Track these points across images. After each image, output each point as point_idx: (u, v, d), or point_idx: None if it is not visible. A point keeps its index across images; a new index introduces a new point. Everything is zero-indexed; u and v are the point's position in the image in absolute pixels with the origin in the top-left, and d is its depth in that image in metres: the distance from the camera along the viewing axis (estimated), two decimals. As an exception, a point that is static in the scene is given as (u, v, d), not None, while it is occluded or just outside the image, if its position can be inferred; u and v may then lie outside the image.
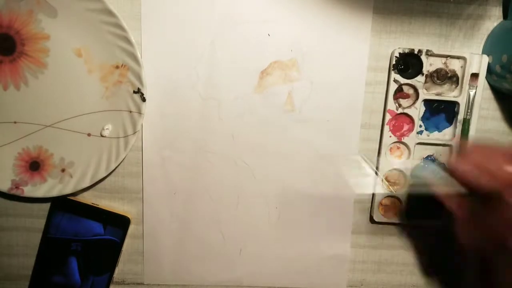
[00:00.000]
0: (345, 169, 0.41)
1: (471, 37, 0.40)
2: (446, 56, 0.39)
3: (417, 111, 0.40)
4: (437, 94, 0.40)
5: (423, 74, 0.39)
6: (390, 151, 0.41)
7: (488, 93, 0.41)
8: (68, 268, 0.40)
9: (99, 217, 0.40)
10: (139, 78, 0.37)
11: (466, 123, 0.40)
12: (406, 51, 0.38)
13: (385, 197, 0.41)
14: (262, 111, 0.40)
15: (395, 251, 0.44)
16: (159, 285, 0.43)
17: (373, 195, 0.42)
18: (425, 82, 0.39)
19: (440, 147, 0.41)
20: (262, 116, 0.40)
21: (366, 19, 0.39)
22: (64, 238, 0.40)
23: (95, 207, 0.40)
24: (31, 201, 0.40)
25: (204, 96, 0.39)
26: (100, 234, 0.40)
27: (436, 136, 0.41)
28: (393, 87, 0.39)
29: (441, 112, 0.40)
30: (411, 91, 0.40)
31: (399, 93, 0.40)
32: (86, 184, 0.38)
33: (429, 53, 0.38)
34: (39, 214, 0.40)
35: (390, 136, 0.40)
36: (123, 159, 0.39)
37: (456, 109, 0.40)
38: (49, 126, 0.38)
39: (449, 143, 0.40)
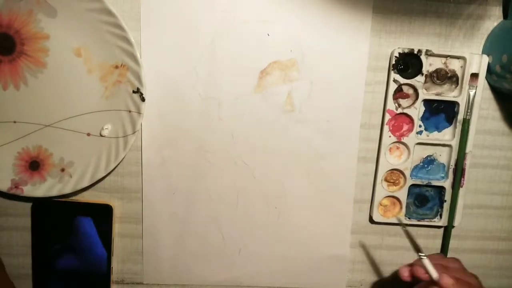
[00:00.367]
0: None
1: (471, 37, 0.40)
2: (446, 56, 0.39)
3: (417, 111, 0.39)
4: (437, 94, 0.40)
5: (422, 74, 0.39)
6: (390, 151, 0.41)
7: (488, 93, 0.41)
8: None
9: (82, 211, 0.40)
10: (138, 78, 0.37)
11: (466, 123, 0.39)
12: (406, 51, 0.38)
13: (385, 197, 0.41)
14: (262, 111, 0.40)
15: (394, 251, 0.43)
16: (158, 284, 0.43)
17: (373, 195, 0.42)
18: (425, 82, 0.39)
19: (440, 147, 0.41)
20: (261, 116, 0.40)
21: (365, 19, 0.39)
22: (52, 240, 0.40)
23: (76, 202, 0.40)
24: (30, 200, 0.40)
25: (204, 96, 0.39)
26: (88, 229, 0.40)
27: (435, 136, 0.41)
28: (393, 87, 0.39)
29: (440, 112, 0.40)
30: (410, 91, 0.40)
31: (399, 93, 0.40)
32: (86, 183, 0.38)
33: (428, 53, 0.38)
34: (39, 214, 0.40)
35: (390, 136, 0.40)
36: (123, 158, 0.39)
37: (456, 109, 0.40)
38: (48, 125, 0.38)
39: (449, 143, 0.40)
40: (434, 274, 0.33)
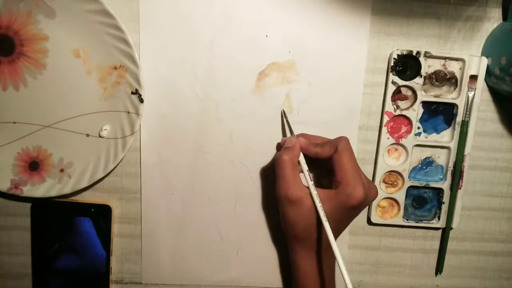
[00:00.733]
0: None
1: (470, 39, 0.40)
2: (445, 58, 0.39)
3: (415, 113, 0.39)
4: (436, 96, 0.40)
5: (421, 76, 0.39)
6: (388, 152, 0.41)
7: (487, 95, 0.40)
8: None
9: (82, 211, 0.40)
10: (137, 79, 0.37)
11: (464, 125, 0.39)
12: (405, 52, 0.38)
13: (383, 199, 0.41)
14: (260, 112, 0.40)
15: (392, 252, 0.44)
16: (157, 284, 0.43)
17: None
18: (424, 84, 0.39)
19: (438, 149, 0.41)
20: (260, 117, 0.40)
21: (364, 21, 0.39)
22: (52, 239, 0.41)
23: (75, 202, 0.40)
24: (30, 200, 0.40)
25: (202, 97, 0.39)
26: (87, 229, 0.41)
27: (434, 138, 0.41)
28: (391, 88, 0.39)
29: (439, 114, 0.40)
30: (409, 93, 0.40)
31: (397, 94, 0.39)
32: (85, 184, 0.39)
33: (427, 55, 0.38)
34: (38, 214, 0.41)
35: (388, 138, 0.40)
36: (121, 159, 0.39)
37: (454, 111, 0.40)
38: (48, 126, 0.38)
39: (447, 145, 0.40)
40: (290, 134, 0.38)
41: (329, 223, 0.33)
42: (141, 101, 0.37)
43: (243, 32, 0.38)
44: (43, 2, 0.36)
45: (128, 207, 0.41)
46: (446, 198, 0.41)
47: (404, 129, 0.40)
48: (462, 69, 0.39)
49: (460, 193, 0.41)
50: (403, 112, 0.39)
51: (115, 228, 0.42)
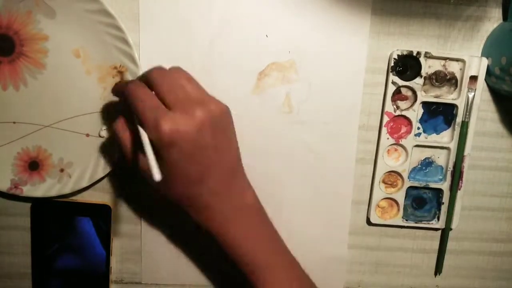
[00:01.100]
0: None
1: (470, 39, 0.40)
2: (445, 59, 0.39)
3: (415, 113, 0.39)
4: (436, 97, 0.40)
5: (421, 76, 0.39)
6: (388, 153, 0.41)
7: (487, 95, 0.40)
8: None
9: (81, 211, 0.40)
10: (137, 79, 0.37)
11: (464, 125, 0.39)
12: (405, 53, 0.38)
13: (382, 199, 0.41)
14: (260, 113, 0.40)
15: (392, 252, 0.44)
16: (157, 284, 0.43)
17: (370, 197, 0.42)
18: (424, 84, 0.39)
19: (438, 150, 0.41)
20: (259, 118, 0.40)
21: (364, 21, 0.39)
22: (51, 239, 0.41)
23: (75, 202, 0.40)
24: (30, 200, 0.40)
25: (202, 97, 0.39)
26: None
27: (434, 138, 0.41)
28: (391, 89, 0.39)
29: (439, 115, 0.40)
30: (409, 93, 0.40)
31: (397, 95, 0.39)
32: (85, 184, 0.39)
33: (427, 55, 0.38)
34: (38, 214, 0.41)
35: (388, 138, 0.40)
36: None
37: (454, 111, 0.40)
38: (48, 126, 0.38)
39: (447, 145, 0.40)
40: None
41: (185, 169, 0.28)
42: (141, 101, 0.37)
43: (243, 32, 0.38)
44: (43, 2, 0.36)
45: (128, 207, 0.41)
46: (445, 198, 0.41)
47: (404, 129, 0.40)
48: (462, 70, 0.39)
49: (459, 193, 0.41)
50: (403, 113, 0.39)
51: (115, 228, 0.42)
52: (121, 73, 0.37)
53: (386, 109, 0.39)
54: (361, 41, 0.39)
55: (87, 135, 0.39)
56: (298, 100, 0.40)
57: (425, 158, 0.41)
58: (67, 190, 0.39)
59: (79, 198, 0.41)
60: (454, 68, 0.39)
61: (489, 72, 0.39)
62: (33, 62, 0.37)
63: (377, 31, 0.39)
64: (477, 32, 0.39)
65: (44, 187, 0.39)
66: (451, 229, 0.42)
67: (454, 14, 0.39)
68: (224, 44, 0.39)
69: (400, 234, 0.43)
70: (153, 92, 0.30)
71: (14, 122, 0.38)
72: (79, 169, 0.39)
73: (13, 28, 0.36)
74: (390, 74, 0.39)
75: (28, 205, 0.40)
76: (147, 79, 0.30)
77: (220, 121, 0.30)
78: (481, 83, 0.39)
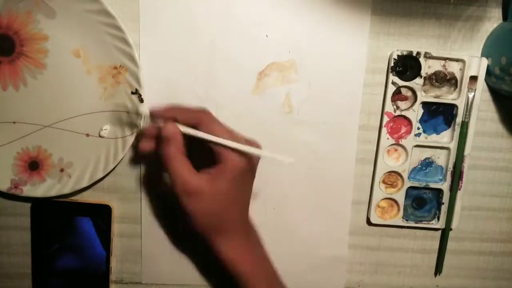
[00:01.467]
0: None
1: (470, 39, 0.40)
2: (445, 59, 0.39)
3: (415, 113, 0.39)
4: (436, 97, 0.40)
5: (421, 77, 0.39)
6: (388, 153, 0.41)
7: (487, 95, 0.40)
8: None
9: (81, 211, 0.40)
10: (137, 79, 0.37)
11: (464, 126, 0.39)
12: (405, 53, 0.38)
13: (382, 199, 0.41)
14: (260, 113, 0.40)
15: (392, 252, 0.44)
16: (157, 284, 0.43)
17: (370, 197, 0.42)
18: (424, 84, 0.39)
19: (438, 150, 0.41)
20: (259, 118, 0.40)
21: (364, 21, 0.39)
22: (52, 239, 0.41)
23: (75, 202, 0.40)
24: (30, 200, 0.40)
25: (202, 97, 0.39)
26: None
27: (434, 138, 0.41)
28: (391, 89, 0.39)
29: (439, 115, 0.40)
30: (409, 94, 0.40)
31: (397, 95, 0.39)
32: (85, 184, 0.39)
33: (427, 56, 0.38)
34: (38, 214, 0.41)
35: (388, 138, 0.40)
36: (121, 159, 0.39)
37: (454, 111, 0.40)
38: (48, 126, 0.38)
39: (447, 145, 0.40)
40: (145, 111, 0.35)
41: (232, 196, 0.33)
42: (141, 101, 0.37)
43: (243, 32, 0.38)
44: (43, 2, 0.36)
45: (128, 207, 0.41)
46: (445, 198, 0.41)
47: (404, 129, 0.40)
48: (462, 70, 0.39)
49: (459, 193, 0.41)
50: (403, 113, 0.39)
51: (115, 228, 0.42)
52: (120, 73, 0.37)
53: (386, 109, 0.39)
54: (361, 41, 0.39)
55: (87, 135, 0.39)
56: (298, 100, 0.40)
57: (425, 158, 0.41)
58: (67, 190, 0.39)
59: (79, 198, 0.41)
60: (454, 68, 0.39)
61: (489, 72, 0.39)
62: (33, 62, 0.37)
63: (377, 31, 0.39)
64: (477, 32, 0.39)
65: (44, 187, 0.39)
66: (451, 229, 0.42)
67: (454, 14, 0.39)
68: (224, 44, 0.39)
69: (400, 234, 0.43)
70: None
71: (14, 122, 0.38)
72: (79, 169, 0.39)
73: (13, 28, 0.36)
74: (390, 74, 0.39)
75: (28, 205, 0.40)
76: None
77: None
78: (481, 83, 0.39)
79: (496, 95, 0.40)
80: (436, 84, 0.39)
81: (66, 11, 0.36)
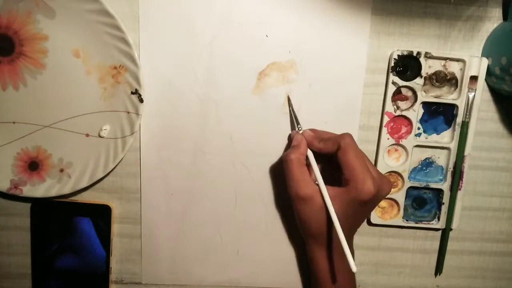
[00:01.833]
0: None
1: (470, 39, 0.40)
2: (445, 59, 0.39)
3: (416, 113, 0.39)
4: (436, 97, 0.40)
5: (422, 76, 0.38)
6: (388, 153, 0.41)
7: (487, 95, 0.40)
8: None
9: (81, 211, 0.40)
10: (136, 79, 0.37)
11: (464, 126, 0.39)
12: (405, 53, 0.38)
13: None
14: (260, 112, 0.40)
15: (393, 252, 0.44)
16: (157, 284, 0.43)
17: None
18: (424, 84, 0.39)
19: (438, 150, 0.41)
20: (260, 117, 0.40)
21: (364, 21, 0.39)
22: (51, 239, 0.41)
23: (75, 202, 0.40)
24: (30, 201, 0.40)
25: (202, 97, 0.39)
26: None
27: (434, 138, 0.41)
28: (392, 89, 0.39)
29: (439, 115, 0.40)
30: (409, 93, 0.39)
31: (398, 95, 0.39)
32: (84, 184, 0.39)
33: (428, 55, 0.38)
34: (38, 214, 0.40)
35: (388, 139, 0.40)
36: (121, 159, 0.39)
37: (454, 111, 0.40)
38: (47, 126, 0.38)
39: (447, 145, 0.40)
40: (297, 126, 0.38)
41: (342, 220, 0.33)
42: (141, 101, 0.37)
43: (243, 32, 0.38)
44: (43, 2, 0.35)
45: (128, 207, 0.41)
46: (446, 199, 0.41)
47: (404, 129, 0.40)
48: (463, 70, 0.39)
49: (460, 194, 0.41)
50: (403, 113, 0.39)
51: (115, 228, 0.42)
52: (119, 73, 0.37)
53: (386, 109, 0.39)
54: (361, 41, 0.39)
55: (87, 135, 0.39)
56: (298, 100, 0.40)
57: (426, 158, 0.41)
58: (67, 190, 0.39)
59: (79, 198, 0.41)
60: (454, 68, 0.39)
61: (489, 72, 0.39)
62: (33, 62, 0.37)
63: (378, 31, 0.39)
64: (477, 32, 0.39)
65: (44, 187, 0.39)
66: (451, 229, 0.42)
67: (455, 14, 0.39)
68: (224, 44, 0.38)
69: (401, 234, 0.43)
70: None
71: (13, 122, 0.38)
72: (79, 169, 0.39)
73: (12, 28, 0.36)
74: (391, 74, 0.39)
75: (28, 205, 0.40)
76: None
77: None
78: (481, 83, 0.39)
79: (497, 95, 0.40)
80: (437, 84, 0.39)
81: (66, 11, 0.36)
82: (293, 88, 0.39)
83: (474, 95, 0.39)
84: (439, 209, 0.42)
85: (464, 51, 0.40)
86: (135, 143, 0.40)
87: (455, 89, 0.39)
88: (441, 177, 0.41)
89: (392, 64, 0.38)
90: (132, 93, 0.37)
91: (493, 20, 0.39)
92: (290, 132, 0.40)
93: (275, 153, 0.41)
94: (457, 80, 0.39)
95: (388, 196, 0.41)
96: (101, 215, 0.40)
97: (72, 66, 0.37)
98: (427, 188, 0.41)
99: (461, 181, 0.41)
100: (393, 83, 0.39)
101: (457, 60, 0.39)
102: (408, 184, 0.41)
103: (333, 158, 0.36)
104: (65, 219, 0.40)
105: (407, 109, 0.39)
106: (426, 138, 0.41)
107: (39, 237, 0.41)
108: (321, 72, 0.39)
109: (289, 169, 0.35)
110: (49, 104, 0.38)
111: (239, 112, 0.40)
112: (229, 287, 0.43)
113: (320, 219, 0.35)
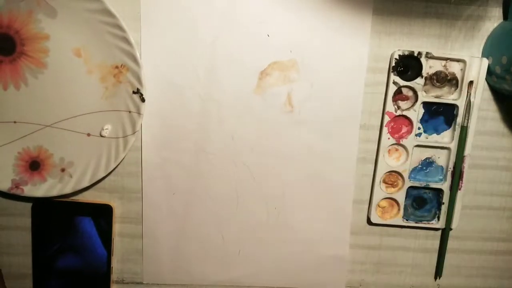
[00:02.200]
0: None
1: (471, 38, 0.40)
2: (446, 59, 0.39)
3: (416, 113, 0.39)
4: (436, 97, 0.40)
5: (422, 77, 0.39)
6: (389, 153, 0.41)
7: (488, 94, 0.41)
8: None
9: (82, 211, 0.40)
10: (138, 78, 0.37)
11: (463, 130, 0.39)
12: (406, 53, 0.38)
13: (383, 199, 0.41)
14: (262, 112, 0.40)
15: (393, 252, 0.44)
16: (158, 284, 0.43)
17: (371, 197, 0.42)
18: (425, 84, 0.39)
19: (439, 150, 0.41)
20: (261, 117, 0.40)
21: (365, 20, 0.39)
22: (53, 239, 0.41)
23: (76, 202, 0.40)
24: (31, 200, 0.40)
25: (204, 96, 0.39)
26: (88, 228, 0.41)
27: (434, 138, 0.41)
28: (392, 89, 0.39)
29: (440, 115, 0.40)
30: (410, 93, 0.40)
31: (398, 95, 0.40)
32: (86, 183, 0.39)
33: (428, 56, 0.38)
34: (39, 213, 0.40)
35: (389, 138, 0.40)
36: (123, 159, 0.39)
37: (455, 112, 0.40)
38: (49, 126, 0.38)
39: (447, 145, 0.40)
40: None
41: None
42: (143, 100, 0.37)
43: (244, 32, 0.38)
44: (44, 1, 0.35)
45: (129, 207, 0.41)
46: (445, 198, 0.41)
47: (404, 129, 0.40)
48: (463, 70, 0.39)
49: (460, 194, 0.41)
50: (404, 113, 0.40)
51: (116, 227, 0.42)
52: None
53: (387, 109, 0.39)
54: (362, 41, 0.39)
55: (88, 134, 0.39)
56: (299, 100, 0.40)
57: (426, 158, 0.41)
58: (68, 190, 0.39)
59: (80, 198, 0.41)
60: (454, 68, 0.39)
61: (489, 72, 0.39)
62: (34, 61, 0.37)
63: (378, 30, 0.39)
64: (477, 31, 0.40)
65: (45, 187, 0.39)
66: (451, 229, 0.42)
67: (455, 14, 0.39)
68: (226, 44, 0.39)
69: (402, 233, 0.43)
70: None
71: (15, 122, 0.38)
72: (80, 169, 0.39)
73: (14, 27, 0.36)
74: (391, 74, 0.39)
75: (29, 205, 0.40)
76: None
77: None
78: (481, 83, 0.39)
79: (497, 94, 0.40)
80: (437, 84, 0.39)
81: (67, 10, 0.36)
82: (294, 87, 0.40)
83: (473, 100, 0.39)
84: (439, 209, 0.42)
85: (464, 51, 0.40)
86: (137, 143, 0.40)
87: (456, 90, 0.40)
88: (441, 177, 0.41)
89: (393, 64, 0.38)
90: (133, 92, 0.37)
91: (494, 19, 0.39)
92: (291, 131, 0.40)
93: (277, 153, 0.41)
94: (457, 81, 0.39)
95: (389, 195, 0.41)
96: (102, 215, 0.40)
97: (73, 66, 0.37)
98: (427, 188, 0.41)
99: (461, 181, 0.41)
100: (394, 83, 0.39)
101: (458, 60, 0.39)
102: (408, 183, 0.41)
103: None
104: (66, 218, 0.40)
105: (407, 109, 0.40)
106: (427, 138, 0.41)
107: (40, 237, 0.41)
108: (322, 71, 0.39)
109: None
110: (50, 103, 0.38)
111: (241, 111, 0.40)
112: (231, 287, 0.44)
113: None
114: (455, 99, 0.39)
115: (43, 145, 0.39)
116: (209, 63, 0.39)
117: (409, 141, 0.40)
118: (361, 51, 0.39)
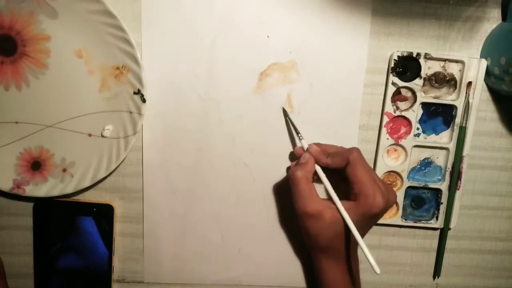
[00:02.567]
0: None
1: (469, 39, 0.40)
2: (445, 60, 0.39)
3: (415, 114, 0.40)
4: (435, 98, 0.40)
5: (421, 77, 0.39)
6: (387, 153, 0.41)
7: (487, 94, 0.41)
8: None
9: (84, 211, 0.40)
10: (139, 79, 0.37)
11: (462, 131, 0.40)
12: (405, 54, 0.38)
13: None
14: (261, 112, 0.40)
15: (392, 251, 0.44)
16: (159, 283, 0.44)
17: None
18: (423, 85, 0.39)
19: (437, 150, 0.41)
20: (261, 117, 0.40)
21: (365, 21, 0.39)
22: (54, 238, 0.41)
23: (77, 202, 0.40)
24: (32, 200, 0.40)
25: (204, 97, 0.40)
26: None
27: (433, 139, 0.41)
28: (391, 89, 0.39)
29: (438, 115, 0.41)
30: (409, 94, 0.40)
31: (397, 95, 0.40)
32: (87, 184, 0.39)
33: (427, 57, 0.38)
34: (41, 213, 0.41)
35: (387, 139, 0.40)
36: (124, 159, 0.39)
37: (453, 112, 0.40)
38: (50, 126, 0.39)
39: (446, 146, 0.41)
40: (305, 146, 0.38)
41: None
42: (143, 101, 0.38)
43: (244, 33, 0.39)
44: (45, 2, 0.36)
45: (130, 207, 0.42)
46: (444, 198, 0.42)
47: (403, 130, 0.40)
48: (462, 71, 0.39)
49: (458, 193, 0.41)
50: (403, 113, 0.40)
51: (117, 227, 0.42)
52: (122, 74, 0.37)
53: (386, 109, 0.40)
54: (361, 42, 0.39)
55: (90, 135, 0.39)
56: (299, 100, 0.40)
57: (424, 159, 0.41)
58: (69, 189, 0.39)
59: (82, 197, 0.41)
60: (453, 69, 0.39)
61: (488, 72, 0.39)
62: (35, 62, 0.37)
63: (378, 31, 0.39)
64: (476, 32, 0.40)
65: (47, 187, 0.39)
66: (449, 228, 0.42)
67: (454, 15, 0.39)
68: (226, 45, 0.39)
69: (401, 233, 0.44)
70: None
71: (16, 122, 0.38)
72: (82, 169, 0.39)
73: (15, 28, 0.36)
74: (390, 75, 0.39)
75: (31, 205, 0.41)
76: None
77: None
78: (480, 84, 0.39)
79: (495, 95, 0.41)
80: (436, 85, 0.40)
81: (68, 11, 0.36)
82: (294, 88, 0.40)
83: (472, 101, 0.39)
84: (438, 209, 0.42)
85: (463, 51, 0.40)
86: (138, 143, 0.40)
87: (454, 90, 0.40)
88: (439, 177, 0.42)
89: (392, 65, 0.39)
90: (134, 93, 0.38)
91: (492, 20, 0.39)
92: (291, 131, 0.40)
93: (277, 153, 0.41)
94: (456, 81, 0.40)
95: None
96: (103, 215, 0.41)
97: (74, 66, 0.37)
98: (425, 188, 0.42)
99: (459, 181, 0.41)
100: (393, 83, 0.39)
101: (456, 61, 0.39)
102: (407, 183, 0.41)
103: (336, 170, 0.36)
104: (68, 218, 0.41)
105: (406, 110, 0.40)
106: (425, 139, 0.41)
107: (42, 236, 0.41)
108: (321, 72, 0.40)
109: (296, 186, 0.35)
110: (51, 104, 0.38)
111: (241, 112, 0.40)
112: (230, 286, 0.44)
113: (329, 233, 0.35)
114: (454, 100, 0.40)
115: (44, 145, 0.39)
116: (210, 64, 0.39)
117: (408, 141, 0.40)
118: (360, 52, 0.39)
